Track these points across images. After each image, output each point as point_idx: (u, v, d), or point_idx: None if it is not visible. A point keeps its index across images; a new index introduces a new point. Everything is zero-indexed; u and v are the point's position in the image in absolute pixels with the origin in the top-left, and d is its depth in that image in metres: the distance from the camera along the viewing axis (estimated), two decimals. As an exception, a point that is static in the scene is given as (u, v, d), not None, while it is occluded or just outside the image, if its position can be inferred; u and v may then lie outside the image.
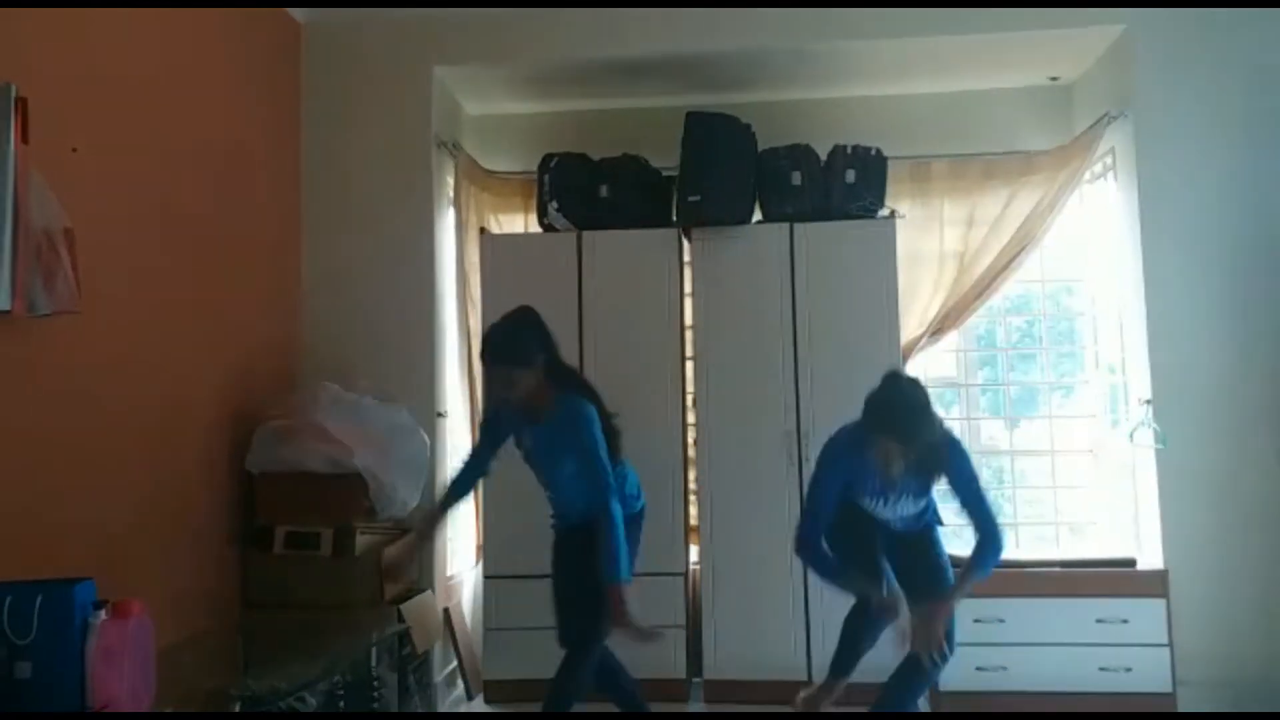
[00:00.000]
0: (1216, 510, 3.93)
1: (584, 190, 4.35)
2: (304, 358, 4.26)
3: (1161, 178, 4.06)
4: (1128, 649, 3.84)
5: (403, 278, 4.29)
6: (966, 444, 3.28)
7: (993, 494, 3.31)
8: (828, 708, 3.28)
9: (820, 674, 4.05)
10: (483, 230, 4.57)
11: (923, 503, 3.21)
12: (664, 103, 4.67)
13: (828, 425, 4.11)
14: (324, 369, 4.14)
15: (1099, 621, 3.85)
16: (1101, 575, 3.93)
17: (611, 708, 3.39)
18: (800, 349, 4.18)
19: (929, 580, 3.20)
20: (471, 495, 4.53)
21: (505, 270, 4.34)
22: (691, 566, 4.29)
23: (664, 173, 4.44)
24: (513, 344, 3.08)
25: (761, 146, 4.32)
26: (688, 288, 4.38)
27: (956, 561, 3.21)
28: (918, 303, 4.48)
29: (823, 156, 4.29)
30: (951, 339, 4.61)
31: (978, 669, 3.85)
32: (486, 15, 4.31)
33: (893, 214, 4.27)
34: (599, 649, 3.17)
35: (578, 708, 3.16)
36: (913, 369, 4.44)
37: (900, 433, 2.96)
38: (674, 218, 4.39)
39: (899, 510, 3.20)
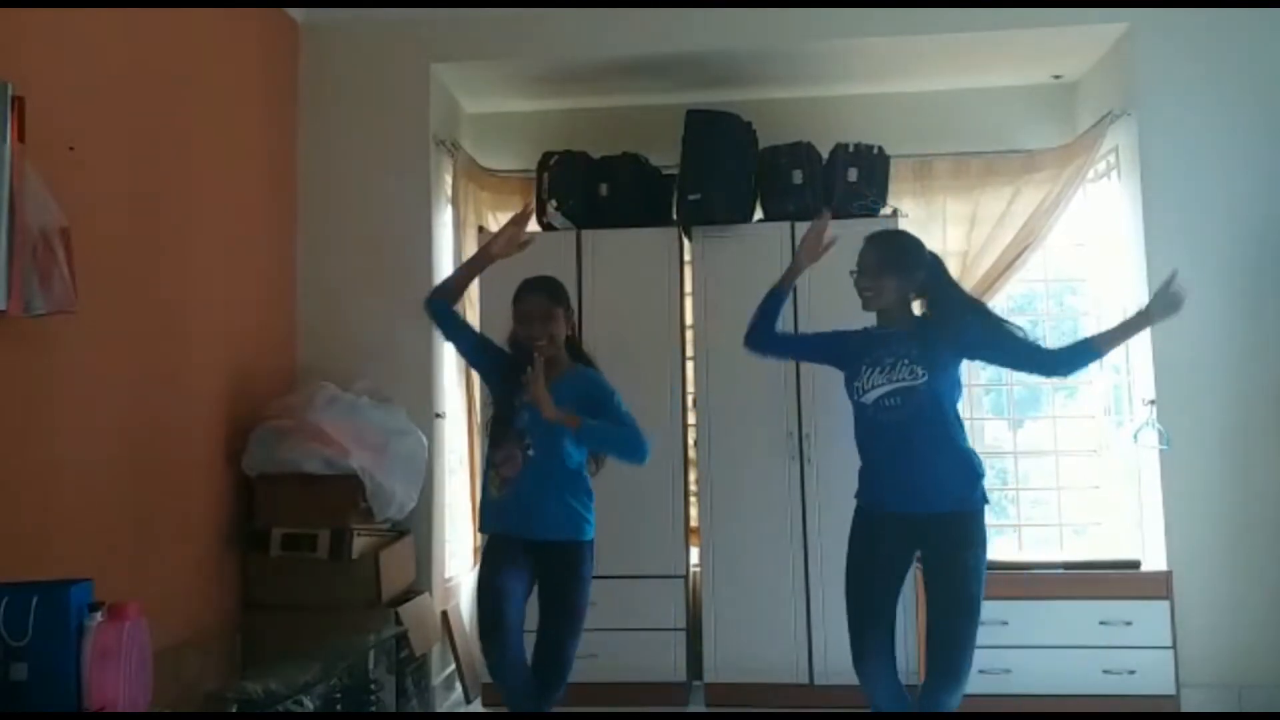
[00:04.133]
0: (1221, 512, 3.92)
1: (583, 189, 4.34)
2: (301, 357, 4.24)
3: (1165, 176, 4.05)
4: (1131, 651, 3.82)
5: (400, 277, 4.27)
6: None
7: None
8: None
9: (821, 676, 4.05)
10: (481, 229, 4.55)
11: (923, 376, 2.78)
12: (664, 101, 4.66)
13: (829, 426, 4.12)
14: (321, 369, 4.12)
15: (1103, 624, 3.83)
16: (1105, 577, 3.91)
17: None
18: (802, 349, 4.16)
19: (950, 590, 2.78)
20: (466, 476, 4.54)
21: (503, 269, 4.31)
22: (692, 568, 4.27)
23: (664, 171, 4.43)
24: (557, 285, 3.14)
25: (762, 144, 4.31)
26: (688, 287, 4.36)
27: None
28: (920, 302, 4.46)
29: (824, 155, 4.27)
30: (954, 339, 4.59)
31: (981, 671, 3.79)
32: (485, 13, 4.29)
33: (895, 213, 4.26)
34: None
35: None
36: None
37: (876, 244, 2.94)
38: (674, 216, 4.38)
39: (894, 376, 2.80)
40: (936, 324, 2.92)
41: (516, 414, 3.00)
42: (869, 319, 3.03)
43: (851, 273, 2.96)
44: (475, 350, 3.20)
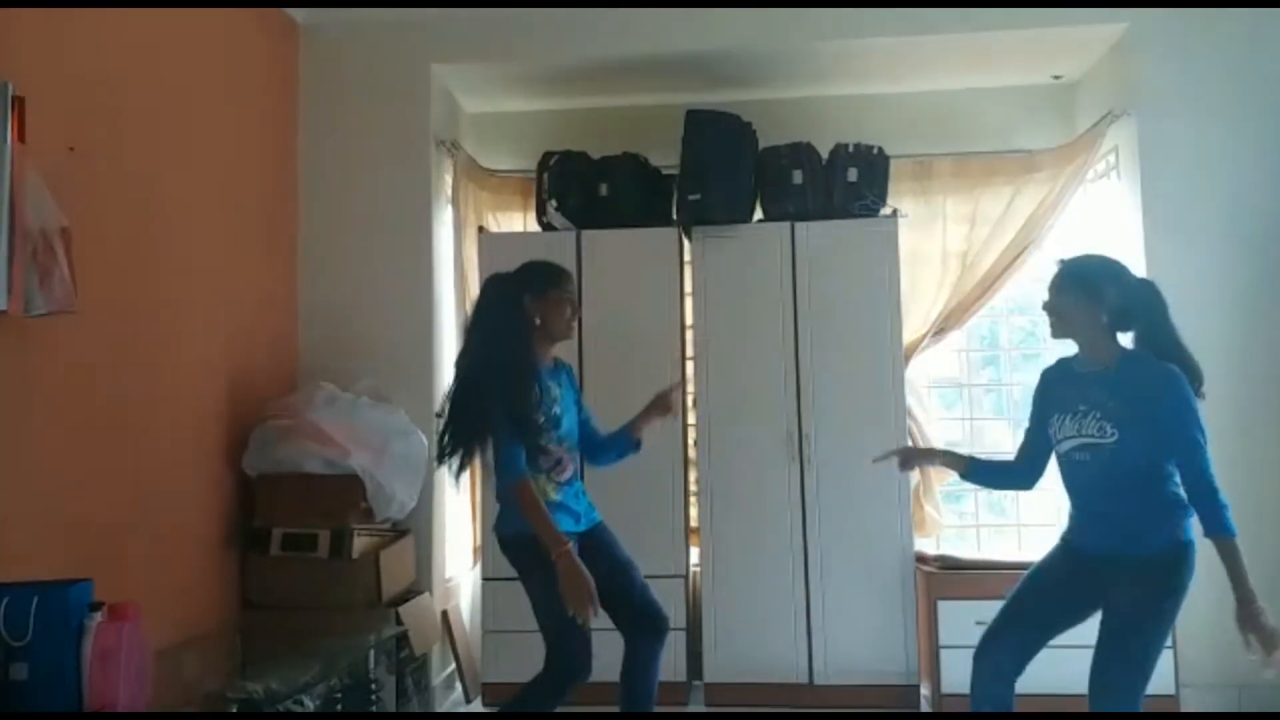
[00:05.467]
0: (1220, 511, 3.91)
1: (583, 189, 4.34)
2: (301, 357, 4.24)
3: (1164, 176, 4.05)
4: None
5: (400, 277, 4.28)
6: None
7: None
8: None
9: (821, 676, 4.05)
10: (481, 229, 4.56)
11: (1112, 436, 2.55)
12: (664, 101, 4.66)
13: (829, 426, 4.13)
14: (321, 369, 4.13)
15: (1102, 623, 3.83)
16: (1105, 576, 3.90)
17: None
18: (801, 349, 4.16)
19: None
20: (469, 495, 4.54)
21: (504, 270, 4.32)
22: (692, 568, 4.27)
23: (664, 171, 4.43)
24: None
25: (762, 145, 4.31)
26: (688, 287, 4.36)
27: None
28: (920, 302, 4.47)
29: (824, 155, 4.27)
30: (954, 339, 4.59)
31: (980, 671, 3.82)
32: (485, 13, 4.29)
33: (895, 213, 4.25)
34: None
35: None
36: (915, 369, 4.43)
37: (1060, 264, 2.69)
38: (674, 216, 4.38)
39: (1084, 430, 2.60)
40: (1134, 370, 2.60)
41: (553, 419, 2.93)
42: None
43: (1044, 302, 2.74)
44: (529, 410, 2.89)
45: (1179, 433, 2.52)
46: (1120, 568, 2.58)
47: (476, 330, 2.97)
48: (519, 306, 2.93)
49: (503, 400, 2.82)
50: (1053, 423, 2.71)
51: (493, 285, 3.01)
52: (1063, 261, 2.75)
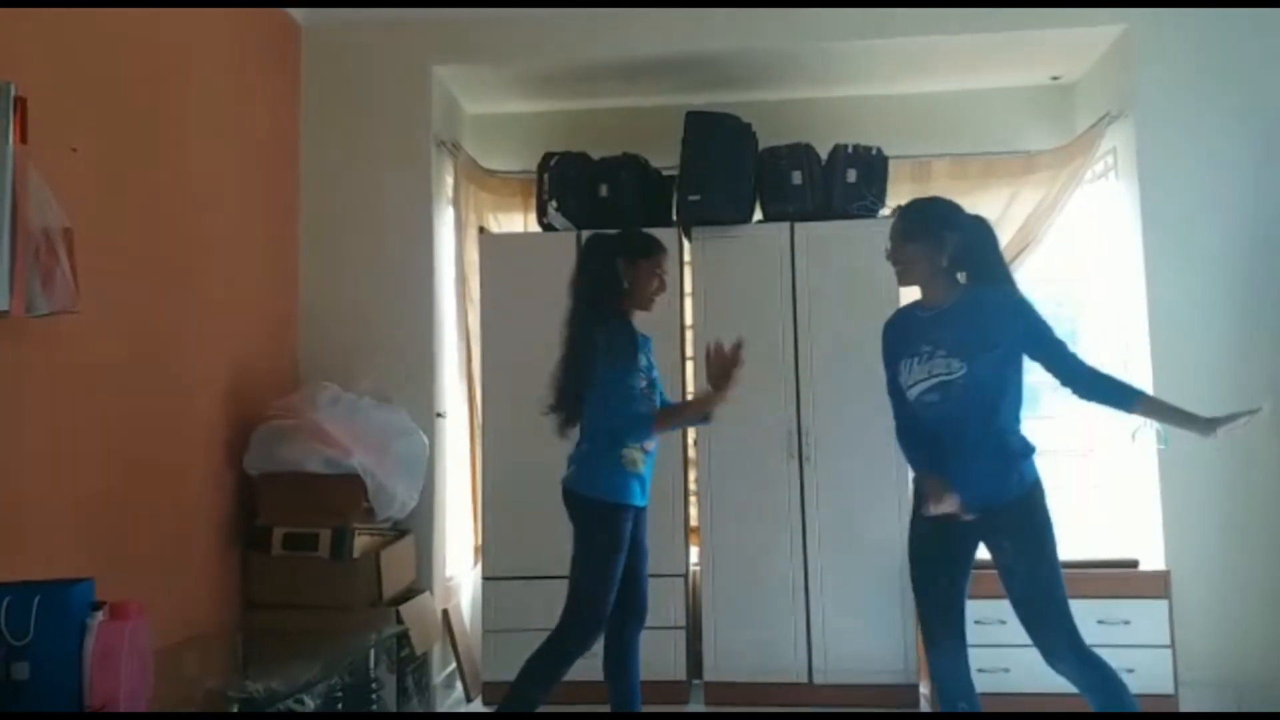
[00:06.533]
0: (1219, 511, 3.92)
1: (583, 189, 4.35)
2: (302, 358, 4.25)
3: (1163, 177, 4.06)
4: (1130, 650, 3.81)
5: (401, 277, 4.29)
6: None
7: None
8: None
9: (821, 675, 4.06)
10: (482, 230, 4.57)
11: (960, 369, 2.57)
12: (664, 102, 4.67)
13: (829, 425, 4.13)
14: (322, 369, 4.14)
15: (1100, 623, 3.82)
16: (1103, 576, 3.91)
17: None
18: (801, 349, 4.17)
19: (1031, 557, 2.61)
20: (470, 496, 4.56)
21: (504, 270, 4.33)
22: (692, 567, 4.28)
23: (664, 172, 4.44)
24: None
25: (762, 145, 4.32)
26: (688, 287, 4.37)
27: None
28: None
29: (823, 156, 4.28)
30: (953, 339, 4.60)
31: (979, 670, 3.77)
32: (486, 14, 4.30)
33: (894, 213, 4.26)
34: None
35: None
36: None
37: (901, 212, 2.75)
38: (674, 217, 4.39)
39: (934, 370, 2.61)
40: (971, 302, 2.65)
41: (653, 384, 3.05)
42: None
43: (886, 249, 2.78)
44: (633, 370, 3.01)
45: (1040, 344, 2.61)
46: (986, 521, 2.63)
47: (579, 289, 3.07)
48: (613, 266, 3.04)
49: (608, 358, 2.92)
50: (902, 371, 2.73)
51: (592, 244, 3.14)
52: (900, 209, 2.81)
